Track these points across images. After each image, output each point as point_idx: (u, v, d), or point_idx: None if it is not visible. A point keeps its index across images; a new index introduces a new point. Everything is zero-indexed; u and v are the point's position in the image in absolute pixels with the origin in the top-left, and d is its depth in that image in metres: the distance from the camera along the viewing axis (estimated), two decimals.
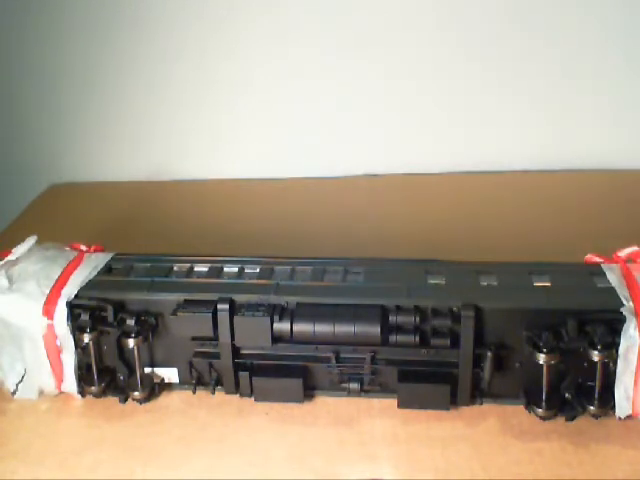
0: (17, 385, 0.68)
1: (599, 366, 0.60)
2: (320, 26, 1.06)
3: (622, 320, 0.59)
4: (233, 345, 0.65)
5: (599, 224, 0.92)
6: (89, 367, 0.67)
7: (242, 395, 0.67)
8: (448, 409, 0.64)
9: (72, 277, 0.68)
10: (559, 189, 1.04)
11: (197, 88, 1.11)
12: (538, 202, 1.00)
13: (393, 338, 0.63)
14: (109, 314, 0.66)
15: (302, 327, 0.63)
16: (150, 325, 0.66)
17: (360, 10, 1.04)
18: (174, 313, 0.65)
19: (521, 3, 1.02)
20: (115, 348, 0.67)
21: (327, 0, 1.04)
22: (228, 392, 0.67)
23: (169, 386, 0.69)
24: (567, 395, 0.62)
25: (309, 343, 0.65)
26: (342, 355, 0.65)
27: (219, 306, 0.64)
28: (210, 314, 0.64)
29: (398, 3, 1.03)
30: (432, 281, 0.66)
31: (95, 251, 0.74)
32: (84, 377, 0.68)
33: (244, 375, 0.66)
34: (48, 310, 0.65)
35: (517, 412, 0.64)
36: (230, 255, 0.72)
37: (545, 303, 0.62)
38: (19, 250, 0.71)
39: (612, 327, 0.59)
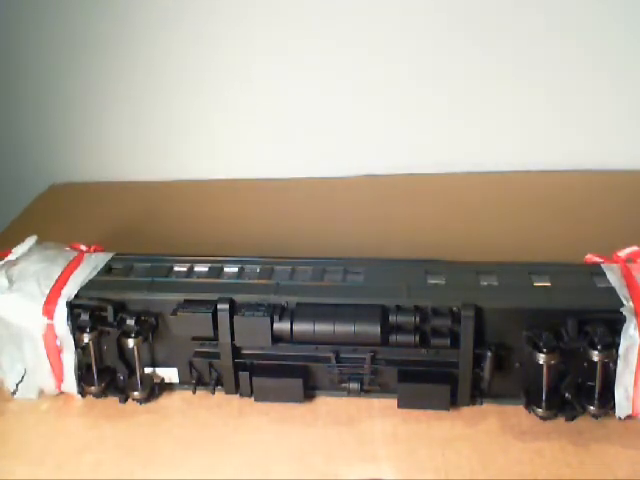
0: (17, 385, 0.68)
1: (599, 366, 0.60)
2: (320, 26, 1.06)
3: (622, 320, 0.59)
4: (233, 345, 0.65)
5: (599, 224, 0.92)
6: (89, 367, 0.67)
7: (242, 395, 0.67)
8: (448, 409, 0.64)
9: (72, 277, 0.68)
10: (559, 189, 1.04)
11: (197, 88, 1.11)
12: (538, 202, 1.00)
13: (393, 338, 0.63)
14: (109, 314, 0.66)
15: (302, 327, 0.63)
16: (150, 325, 0.66)
17: (361, 10, 1.04)
18: (174, 313, 0.65)
19: (522, 4, 1.02)
20: (115, 348, 0.67)
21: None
22: (228, 392, 0.67)
23: (169, 386, 0.69)
24: (567, 395, 0.62)
25: (309, 343, 0.65)
26: (342, 355, 0.65)
27: (219, 306, 0.64)
28: (210, 314, 0.64)
29: (399, 3, 1.04)
30: (432, 281, 0.66)
31: (95, 251, 0.74)
32: (84, 377, 0.68)
33: (244, 375, 0.66)
34: (48, 310, 0.65)
35: (517, 412, 0.64)
36: (230, 255, 0.72)
37: (545, 303, 0.62)
38: (19, 250, 0.72)
39: (612, 327, 0.59)
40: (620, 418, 0.61)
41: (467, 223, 0.95)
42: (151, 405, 0.68)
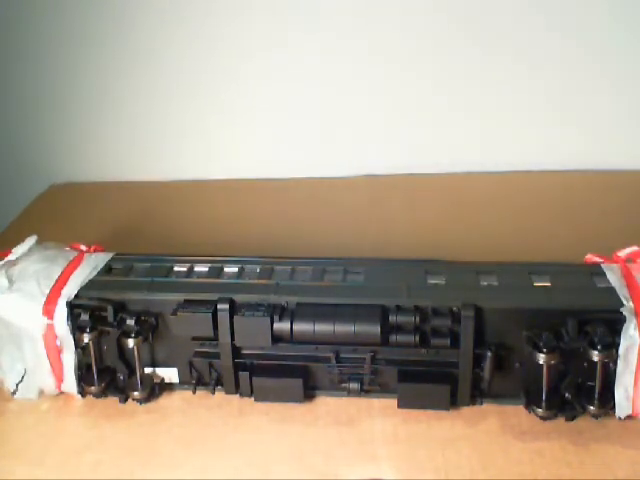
0: (17, 385, 0.68)
1: (599, 366, 0.60)
2: (320, 26, 1.06)
3: (622, 320, 0.59)
4: (233, 345, 0.65)
5: (599, 224, 0.92)
6: (89, 367, 0.67)
7: (242, 395, 0.67)
8: (448, 409, 0.64)
9: (72, 277, 0.68)
10: (559, 189, 1.04)
11: (195, 89, 1.11)
12: (538, 202, 1.00)
13: (393, 338, 0.63)
14: (109, 314, 0.66)
15: (302, 327, 0.63)
16: (150, 325, 0.66)
17: (361, 10, 1.04)
18: (174, 313, 0.65)
19: (522, 4, 1.02)
20: (115, 348, 0.67)
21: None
22: (228, 392, 0.67)
23: (169, 386, 0.69)
24: (567, 395, 0.62)
25: (309, 343, 0.65)
26: (342, 355, 0.65)
27: (219, 306, 0.64)
28: (210, 314, 0.64)
29: (399, 3, 1.03)
30: (432, 281, 0.66)
31: (95, 251, 0.74)
32: (84, 377, 0.68)
33: (244, 375, 0.66)
34: (48, 310, 0.65)
35: (517, 412, 0.64)
36: (230, 255, 0.72)
37: (545, 303, 0.62)
38: (19, 250, 0.72)
39: (612, 327, 0.59)
40: (620, 418, 0.61)
41: (467, 223, 0.95)
42: (151, 405, 0.68)
